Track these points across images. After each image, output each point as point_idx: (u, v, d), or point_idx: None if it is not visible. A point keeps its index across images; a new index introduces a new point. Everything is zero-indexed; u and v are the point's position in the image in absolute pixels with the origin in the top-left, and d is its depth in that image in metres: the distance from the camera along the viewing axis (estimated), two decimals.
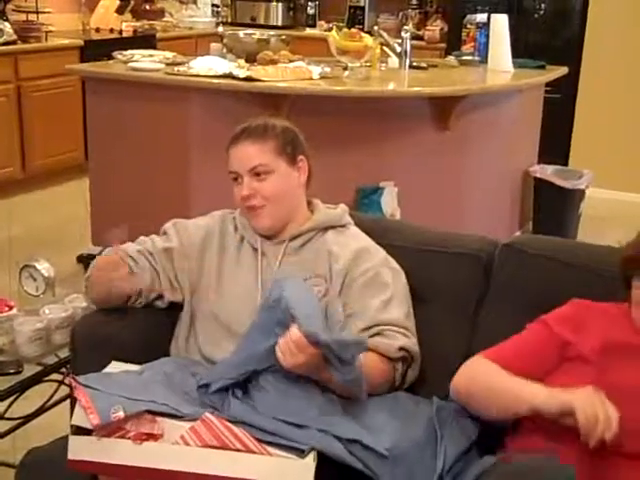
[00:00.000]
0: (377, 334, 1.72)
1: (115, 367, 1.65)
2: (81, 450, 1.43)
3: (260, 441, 1.42)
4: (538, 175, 4.53)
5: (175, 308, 1.89)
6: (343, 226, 1.91)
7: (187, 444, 1.42)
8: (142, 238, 1.94)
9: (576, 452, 1.45)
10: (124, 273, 1.83)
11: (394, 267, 1.85)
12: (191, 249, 1.88)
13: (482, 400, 1.55)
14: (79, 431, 1.45)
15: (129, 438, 1.42)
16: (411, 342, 1.75)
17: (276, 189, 1.82)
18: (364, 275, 1.79)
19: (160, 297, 1.87)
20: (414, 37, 5.06)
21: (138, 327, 1.84)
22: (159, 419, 1.44)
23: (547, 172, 4.55)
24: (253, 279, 1.83)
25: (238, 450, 1.41)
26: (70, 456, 1.44)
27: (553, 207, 4.45)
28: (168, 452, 1.41)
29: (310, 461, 1.40)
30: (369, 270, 1.80)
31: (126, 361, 1.69)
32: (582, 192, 4.56)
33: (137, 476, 1.42)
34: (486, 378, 1.57)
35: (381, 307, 1.75)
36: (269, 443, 1.43)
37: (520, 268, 1.87)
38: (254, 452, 1.41)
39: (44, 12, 5.61)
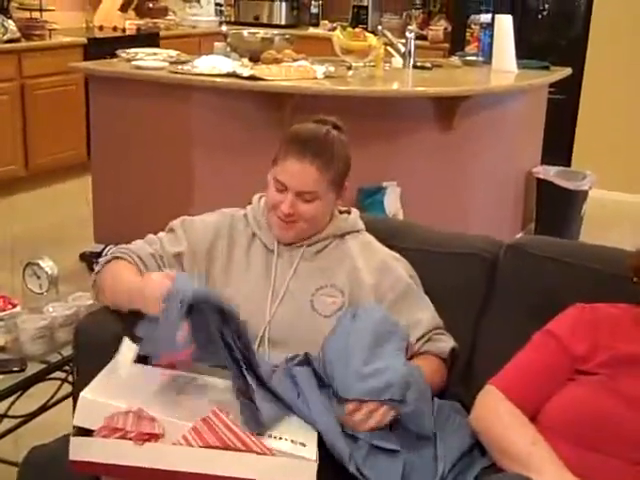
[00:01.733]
0: (429, 340, 1.79)
1: (117, 365, 1.64)
2: (82, 451, 1.42)
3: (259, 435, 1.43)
4: (541, 176, 4.53)
5: None
6: (358, 231, 1.91)
7: (189, 444, 1.41)
8: (151, 237, 1.91)
9: (587, 459, 1.46)
10: None
11: (413, 274, 1.88)
12: (199, 249, 1.85)
13: (496, 453, 1.55)
14: (80, 432, 1.45)
15: (130, 439, 1.41)
16: (456, 343, 1.82)
17: (316, 213, 1.80)
18: (393, 289, 1.80)
19: None
20: (418, 37, 5.06)
21: None
22: (159, 418, 1.43)
23: (550, 173, 4.55)
24: (264, 280, 1.81)
25: (239, 450, 1.41)
26: (71, 457, 1.43)
27: (556, 208, 4.45)
28: (170, 452, 1.41)
29: (312, 461, 1.40)
30: (397, 283, 1.81)
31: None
32: (585, 193, 4.55)
33: (139, 477, 1.41)
34: (501, 432, 1.54)
35: (428, 318, 1.80)
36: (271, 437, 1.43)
37: (525, 269, 1.87)
38: (256, 452, 1.41)
39: (48, 10, 5.62)
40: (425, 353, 1.77)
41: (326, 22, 6.91)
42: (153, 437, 1.42)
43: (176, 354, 1.52)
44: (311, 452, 1.42)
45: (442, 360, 1.79)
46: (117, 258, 1.83)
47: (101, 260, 1.88)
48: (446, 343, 1.79)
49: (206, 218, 1.93)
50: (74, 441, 1.43)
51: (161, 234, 1.92)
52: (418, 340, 1.77)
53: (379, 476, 1.47)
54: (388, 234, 1.97)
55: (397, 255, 1.90)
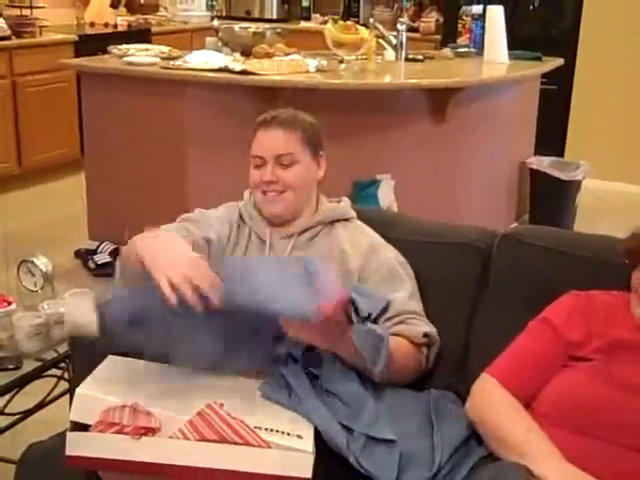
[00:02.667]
0: (401, 322, 1.76)
1: (113, 361, 1.64)
2: (79, 446, 1.43)
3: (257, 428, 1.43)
4: (534, 166, 4.54)
5: None
6: (348, 219, 1.93)
7: (185, 438, 1.41)
8: (171, 225, 1.86)
9: (583, 445, 1.46)
10: None
11: (402, 260, 1.88)
12: (221, 239, 1.86)
13: (492, 442, 1.55)
14: (77, 427, 1.45)
15: (126, 433, 1.41)
16: (433, 329, 1.80)
17: (297, 178, 1.85)
18: (378, 271, 1.81)
19: None
20: (409, 29, 5.06)
21: None
22: (156, 412, 1.43)
23: (543, 163, 4.55)
24: None
25: (236, 443, 1.41)
26: (68, 452, 1.43)
27: (550, 198, 4.45)
28: (166, 446, 1.41)
29: (309, 453, 1.41)
30: (382, 266, 1.82)
31: (125, 356, 1.68)
32: (578, 183, 4.56)
33: (135, 471, 1.42)
34: (496, 421, 1.55)
35: (401, 300, 1.79)
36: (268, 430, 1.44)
37: (519, 258, 1.87)
38: (252, 444, 1.41)
39: (38, 7, 5.60)
40: (396, 335, 1.73)
41: (317, 16, 6.90)
42: (149, 431, 1.43)
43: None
44: (307, 444, 1.43)
45: (415, 345, 1.75)
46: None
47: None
48: (420, 327, 1.76)
49: (216, 212, 1.94)
50: (70, 436, 1.44)
51: (181, 223, 1.88)
52: (387, 320, 1.75)
53: (376, 467, 1.48)
54: (382, 225, 1.97)
55: (385, 243, 1.90)
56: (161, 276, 1.49)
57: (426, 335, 1.77)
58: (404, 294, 1.80)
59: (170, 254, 1.57)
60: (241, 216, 1.93)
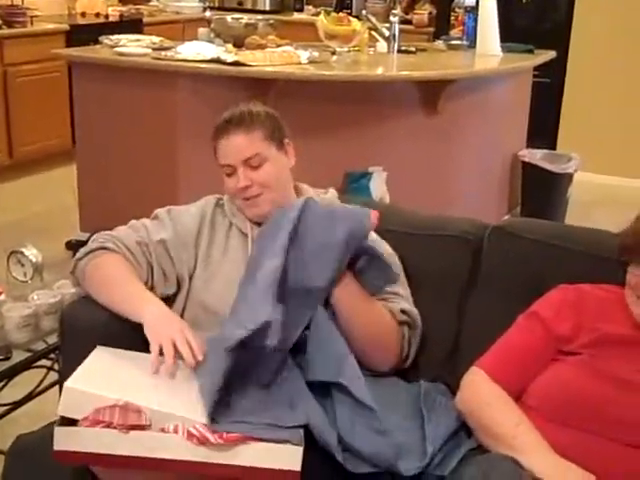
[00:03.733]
0: (381, 300, 1.77)
1: (101, 352, 1.63)
2: (67, 441, 1.42)
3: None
4: (527, 159, 4.54)
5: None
6: None
7: (175, 431, 1.41)
8: (135, 223, 1.90)
9: (572, 438, 1.47)
10: None
11: (387, 249, 1.86)
12: (188, 239, 1.85)
13: (481, 434, 1.56)
14: (65, 421, 1.44)
15: (115, 427, 1.40)
16: (413, 309, 1.80)
17: (271, 176, 1.82)
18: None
19: (150, 290, 1.82)
20: (402, 21, 5.05)
21: None
22: (145, 407, 1.43)
23: (536, 156, 4.56)
24: (242, 264, 1.81)
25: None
26: (56, 447, 1.42)
27: (541, 191, 4.46)
28: (155, 440, 1.40)
29: (298, 447, 1.41)
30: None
31: (115, 347, 1.68)
32: (570, 176, 4.57)
33: (124, 465, 1.41)
34: (486, 414, 1.55)
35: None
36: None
37: (510, 251, 1.87)
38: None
39: None
40: None
41: (310, 7, 6.87)
42: (139, 428, 1.42)
43: None
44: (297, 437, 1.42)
45: (394, 320, 1.76)
46: (104, 249, 1.81)
47: (84, 248, 1.84)
48: (398, 304, 1.77)
49: (191, 208, 1.93)
50: (58, 431, 1.42)
51: (145, 221, 1.90)
52: None
53: (369, 441, 1.49)
54: None
55: (384, 243, 1.88)
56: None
57: (404, 312, 1.77)
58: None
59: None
60: (220, 207, 1.91)
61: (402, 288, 1.83)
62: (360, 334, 1.68)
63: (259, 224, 1.85)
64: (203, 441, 1.39)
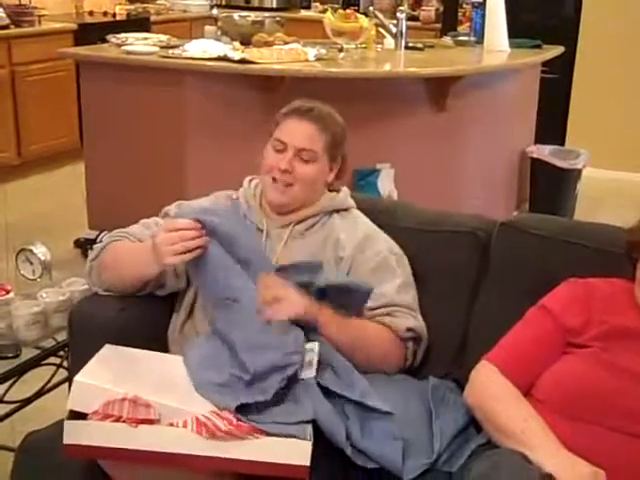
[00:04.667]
0: (387, 314, 1.76)
1: (110, 349, 1.64)
2: (77, 434, 1.42)
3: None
4: (535, 155, 4.53)
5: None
6: (346, 209, 1.93)
7: (185, 426, 1.41)
8: (146, 221, 1.91)
9: (582, 432, 1.46)
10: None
11: (398, 252, 1.87)
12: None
13: (490, 429, 1.55)
14: (74, 415, 1.45)
15: (124, 421, 1.41)
16: (419, 324, 1.79)
17: (310, 177, 1.85)
18: (371, 261, 1.81)
19: (162, 286, 1.84)
20: (409, 18, 5.04)
21: (135, 310, 1.83)
22: (154, 402, 1.43)
23: (544, 152, 4.54)
24: None
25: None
26: (66, 441, 1.43)
27: (550, 187, 4.45)
28: (165, 434, 1.41)
29: (307, 441, 1.41)
30: (375, 256, 1.82)
31: (123, 344, 1.68)
32: (579, 172, 4.55)
33: (133, 459, 1.42)
34: (495, 408, 1.54)
35: (391, 291, 1.78)
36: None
37: (518, 246, 1.87)
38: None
39: None
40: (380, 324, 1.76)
41: (317, 4, 6.87)
42: (148, 422, 1.42)
43: None
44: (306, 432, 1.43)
45: (398, 337, 1.75)
46: (114, 241, 1.84)
47: (97, 246, 1.86)
48: (404, 320, 1.76)
49: (202, 202, 1.93)
50: (68, 425, 1.43)
51: (157, 218, 1.92)
52: (371, 310, 1.76)
53: (378, 444, 1.48)
54: (380, 214, 1.97)
55: (383, 234, 1.89)
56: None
57: (410, 329, 1.76)
58: (393, 286, 1.79)
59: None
60: (232, 201, 1.91)
61: (406, 294, 1.81)
62: (361, 358, 1.67)
63: (273, 217, 1.87)
64: (213, 430, 1.39)
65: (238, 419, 1.42)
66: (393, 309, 1.77)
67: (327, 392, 1.54)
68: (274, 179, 1.83)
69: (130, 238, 1.84)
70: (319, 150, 1.84)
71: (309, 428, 1.44)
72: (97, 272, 1.85)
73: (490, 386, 1.58)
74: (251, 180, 1.96)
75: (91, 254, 1.86)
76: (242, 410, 1.45)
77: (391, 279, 1.80)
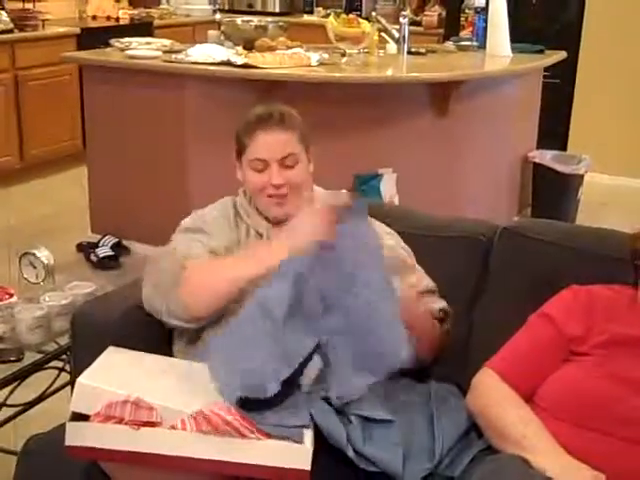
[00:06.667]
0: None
1: (113, 352, 1.64)
2: (78, 436, 1.43)
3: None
4: (537, 160, 4.52)
5: None
6: None
7: (185, 428, 1.41)
8: (188, 245, 1.82)
9: (584, 439, 1.46)
10: None
11: (404, 246, 1.89)
12: (228, 243, 1.84)
13: (491, 435, 1.56)
14: (77, 417, 1.45)
15: (126, 424, 1.41)
16: (445, 303, 1.84)
17: (301, 178, 1.84)
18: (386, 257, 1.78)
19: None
20: (412, 23, 5.04)
21: (138, 313, 1.83)
22: (157, 405, 1.43)
23: (546, 157, 4.54)
24: None
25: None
26: (67, 442, 1.43)
27: (552, 192, 4.44)
28: (166, 437, 1.41)
29: (308, 446, 1.41)
30: (389, 251, 1.80)
31: (126, 347, 1.68)
32: (581, 177, 4.55)
33: (135, 461, 1.42)
34: (497, 414, 1.55)
35: (414, 282, 1.82)
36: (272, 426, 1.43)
37: (520, 252, 1.87)
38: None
39: (41, 0, 5.59)
40: None
41: (320, 9, 6.88)
42: (150, 425, 1.42)
43: None
44: (306, 437, 1.43)
45: (435, 319, 1.81)
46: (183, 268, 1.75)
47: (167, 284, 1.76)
48: (436, 303, 1.82)
49: (213, 211, 1.91)
50: (70, 426, 1.44)
51: (184, 237, 1.85)
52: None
53: (380, 450, 1.48)
54: (383, 219, 1.97)
55: (388, 229, 1.91)
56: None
57: (442, 310, 1.82)
58: (414, 277, 1.83)
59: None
60: (237, 213, 1.91)
61: (425, 278, 1.86)
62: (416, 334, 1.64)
63: (276, 223, 1.85)
64: (216, 423, 1.39)
65: (241, 415, 1.42)
66: (422, 293, 1.81)
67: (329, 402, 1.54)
68: (269, 196, 1.82)
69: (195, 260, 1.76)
70: (297, 150, 1.83)
71: (310, 432, 1.44)
72: (182, 303, 1.73)
73: (491, 393, 1.58)
74: (245, 190, 1.95)
75: (159, 296, 1.77)
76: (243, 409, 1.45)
77: (411, 271, 1.84)
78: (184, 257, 1.77)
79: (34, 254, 2.25)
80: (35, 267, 2.26)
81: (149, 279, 1.82)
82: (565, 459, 1.43)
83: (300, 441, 1.41)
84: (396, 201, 3.73)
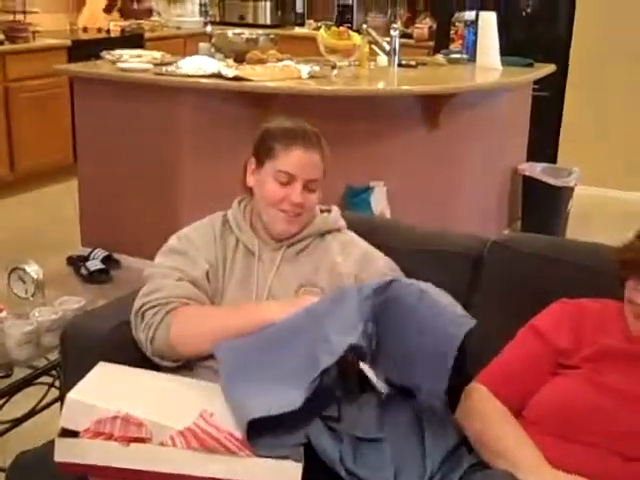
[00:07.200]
0: None
1: (103, 367, 1.63)
2: (68, 452, 1.42)
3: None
4: (527, 173, 4.54)
5: None
6: (338, 230, 1.93)
7: (174, 445, 1.41)
8: (163, 272, 1.80)
9: (573, 453, 1.47)
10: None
11: (395, 267, 1.88)
12: (213, 262, 1.83)
13: (480, 450, 1.56)
14: (66, 433, 1.44)
15: (116, 439, 1.41)
16: None
17: (314, 204, 1.86)
18: (373, 279, 1.77)
19: None
20: (403, 35, 5.07)
21: (128, 328, 1.82)
22: (146, 420, 1.43)
23: (536, 170, 4.56)
24: (247, 284, 1.82)
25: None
26: (57, 458, 1.43)
27: (542, 205, 4.46)
28: (156, 453, 1.40)
29: (298, 463, 1.40)
30: (377, 274, 1.80)
31: (116, 362, 1.68)
32: (571, 190, 4.57)
33: (125, 478, 1.41)
34: (485, 429, 1.55)
35: None
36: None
37: (509, 265, 1.88)
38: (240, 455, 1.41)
39: (31, 12, 5.60)
40: None
41: (312, 22, 6.90)
42: (140, 441, 1.42)
43: None
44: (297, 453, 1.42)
45: None
46: (169, 312, 1.73)
47: (146, 322, 1.75)
48: None
49: (199, 229, 1.89)
50: (59, 442, 1.43)
51: (166, 261, 1.83)
52: None
53: (370, 469, 1.47)
54: (371, 233, 1.97)
55: (378, 251, 1.90)
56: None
57: None
58: None
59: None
60: (226, 224, 1.89)
61: None
62: None
63: (267, 241, 1.85)
64: (204, 440, 1.38)
65: (230, 433, 1.41)
66: None
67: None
68: (283, 210, 1.81)
69: (182, 300, 1.75)
70: (320, 178, 1.84)
71: (300, 449, 1.43)
72: (169, 348, 1.72)
73: (480, 407, 1.58)
74: (240, 201, 1.93)
75: (145, 332, 1.75)
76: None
77: None
78: (162, 298, 1.74)
79: (24, 269, 2.24)
80: (25, 282, 2.25)
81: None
82: (553, 473, 1.43)
83: (300, 460, 1.40)
84: (387, 214, 3.74)
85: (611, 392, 1.50)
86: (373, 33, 4.41)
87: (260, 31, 4.77)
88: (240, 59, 3.96)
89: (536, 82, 4.62)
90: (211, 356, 1.67)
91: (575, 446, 1.48)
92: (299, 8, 7.01)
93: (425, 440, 1.57)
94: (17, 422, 2.15)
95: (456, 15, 4.68)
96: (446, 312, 1.54)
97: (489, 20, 4.21)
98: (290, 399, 1.43)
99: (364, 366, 1.61)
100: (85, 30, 6.12)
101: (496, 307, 1.86)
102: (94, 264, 3.85)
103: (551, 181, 4.46)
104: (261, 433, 1.43)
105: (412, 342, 1.53)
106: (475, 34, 4.36)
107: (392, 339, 1.55)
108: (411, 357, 1.54)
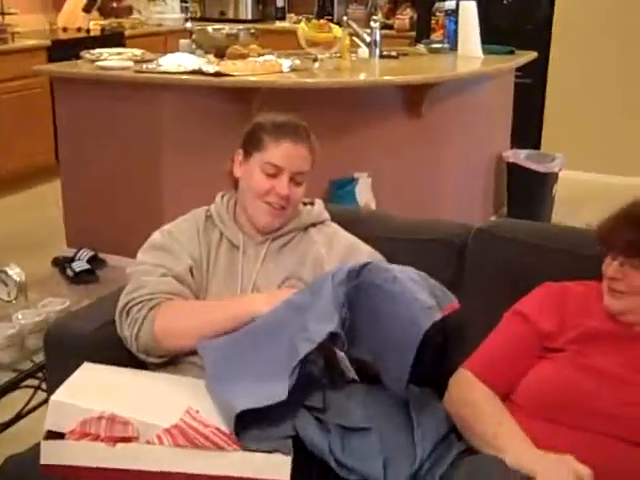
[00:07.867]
0: None
1: (88, 367, 1.62)
2: (54, 455, 1.41)
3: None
4: (511, 159, 4.55)
5: None
6: (322, 222, 1.92)
7: (162, 443, 1.40)
8: (146, 269, 1.79)
9: (561, 435, 1.47)
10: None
11: (379, 258, 1.87)
12: (197, 257, 1.82)
13: (467, 435, 1.56)
14: (52, 435, 1.43)
15: (102, 440, 1.40)
16: None
17: (300, 198, 1.86)
18: None
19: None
20: (384, 26, 5.06)
21: (112, 328, 1.81)
22: (132, 419, 1.42)
23: (520, 156, 4.57)
24: (231, 278, 1.81)
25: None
26: (43, 461, 1.42)
27: (527, 191, 4.47)
28: (143, 452, 1.40)
29: (287, 456, 1.40)
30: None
31: (101, 362, 1.67)
32: (555, 175, 4.58)
33: (112, 478, 1.40)
34: (472, 414, 1.55)
35: None
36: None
37: (494, 252, 1.88)
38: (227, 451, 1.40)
39: (10, 13, 5.56)
40: None
41: (292, 15, 6.89)
42: (126, 440, 1.41)
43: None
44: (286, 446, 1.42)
45: None
46: (153, 307, 1.73)
47: (129, 324, 1.74)
48: None
49: (182, 225, 1.88)
50: (45, 445, 1.42)
51: (150, 258, 1.82)
52: None
53: (359, 459, 1.47)
54: (355, 224, 1.97)
55: (363, 243, 1.90)
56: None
57: None
58: None
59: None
60: (209, 219, 1.89)
61: None
62: None
63: (251, 235, 1.84)
64: (191, 436, 1.38)
65: (217, 428, 1.40)
66: None
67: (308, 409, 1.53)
68: (268, 203, 1.81)
69: (167, 296, 1.74)
70: (308, 170, 1.84)
71: (289, 442, 1.43)
72: (153, 342, 1.71)
73: (466, 393, 1.58)
74: (223, 196, 1.93)
75: (129, 328, 1.73)
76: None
77: None
78: (146, 294, 1.73)
79: (5, 272, 2.23)
80: (7, 285, 2.23)
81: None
82: (537, 454, 1.43)
83: (288, 453, 1.40)
84: (372, 205, 3.73)
85: (596, 374, 1.51)
86: (354, 25, 4.39)
87: (241, 26, 4.75)
88: (221, 54, 3.93)
89: (519, 69, 4.63)
90: (197, 352, 1.66)
91: (562, 429, 1.48)
92: (280, 2, 6.99)
93: (414, 429, 1.57)
94: (4, 426, 2.13)
95: (437, 5, 4.67)
96: (416, 301, 1.53)
97: (469, 9, 4.21)
98: (275, 391, 1.43)
99: (339, 352, 1.61)
100: (65, 30, 6.08)
101: (482, 293, 1.86)
102: (80, 265, 3.83)
103: (535, 167, 4.47)
104: (248, 427, 1.43)
105: (382, 327, 1.54)
106: (456, 23, 4.36)
107: (364, 323, 1.56)
108: (382, 342, 1.55)
